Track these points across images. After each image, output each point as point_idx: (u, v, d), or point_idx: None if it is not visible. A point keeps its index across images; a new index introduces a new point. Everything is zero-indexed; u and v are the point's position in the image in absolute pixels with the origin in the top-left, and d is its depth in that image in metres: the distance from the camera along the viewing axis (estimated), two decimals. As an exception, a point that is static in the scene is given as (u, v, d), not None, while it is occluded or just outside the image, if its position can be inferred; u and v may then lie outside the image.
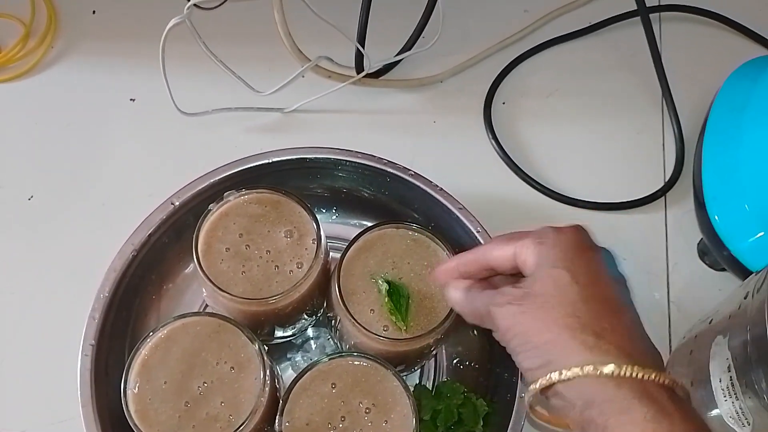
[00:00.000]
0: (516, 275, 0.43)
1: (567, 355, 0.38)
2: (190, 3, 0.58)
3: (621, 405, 0.37)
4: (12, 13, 0.75)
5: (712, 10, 0.76)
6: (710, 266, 0.65)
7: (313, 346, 0.61)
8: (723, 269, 0.64)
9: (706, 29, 0.77)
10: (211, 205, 0.53)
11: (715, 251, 0.62)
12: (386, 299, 0.51)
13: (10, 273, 0.64)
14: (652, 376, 0.37)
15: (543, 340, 0.39)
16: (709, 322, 0.50)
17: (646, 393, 0.37)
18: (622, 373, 0.37)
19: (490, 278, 0.46)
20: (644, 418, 0.36)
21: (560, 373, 0.38)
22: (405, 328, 0.51)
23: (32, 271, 0.64)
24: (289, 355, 0.61)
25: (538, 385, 0.39)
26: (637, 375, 0.37)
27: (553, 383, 0.38)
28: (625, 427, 0.37)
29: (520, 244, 0.42)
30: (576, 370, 0.38)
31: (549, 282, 0.40)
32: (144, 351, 0.49)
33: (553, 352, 0.39)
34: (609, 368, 0.37)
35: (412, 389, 0.51)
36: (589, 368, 0.37)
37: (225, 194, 0.54)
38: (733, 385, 0.45)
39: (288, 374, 0.60)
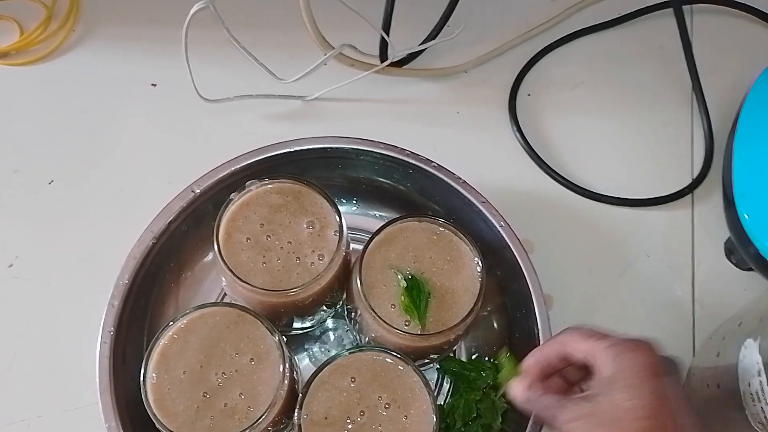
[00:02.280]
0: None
1: None
2: (213, -12, 0.57)
3: None
4: (34, -5, 0.75)
5: (746, 3, 0.75)
6: (737, 265, 0.64)
7: (332, 338, 0.61)
8: (750, 269, 0.63)
9: (739, 22, 0.76)
10: (232, 194, 0.53)
11: (742, 250, 0.61)
12: (402, 297, 0.50)
13: (28, 258, 0.64)
14: None
15: None
16: (738, 324, 0.49)
17: None
18: None
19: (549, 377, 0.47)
20: None
21: None
22: (421, 326, 0.50)
23: (51, 257, 0.64)
24: (306, 347, 0.61)
25: None
26: None
27: None
28: None
29: (595, 348, 0.44)
30: None
31: (618, 408, 0.41)
32: (163, 341, 0.49)
33: None
34: None
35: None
36: None
37: (247, 183, 0.53)
38: (762, 390, 0.44)
39: (305, 365, 0.60)
